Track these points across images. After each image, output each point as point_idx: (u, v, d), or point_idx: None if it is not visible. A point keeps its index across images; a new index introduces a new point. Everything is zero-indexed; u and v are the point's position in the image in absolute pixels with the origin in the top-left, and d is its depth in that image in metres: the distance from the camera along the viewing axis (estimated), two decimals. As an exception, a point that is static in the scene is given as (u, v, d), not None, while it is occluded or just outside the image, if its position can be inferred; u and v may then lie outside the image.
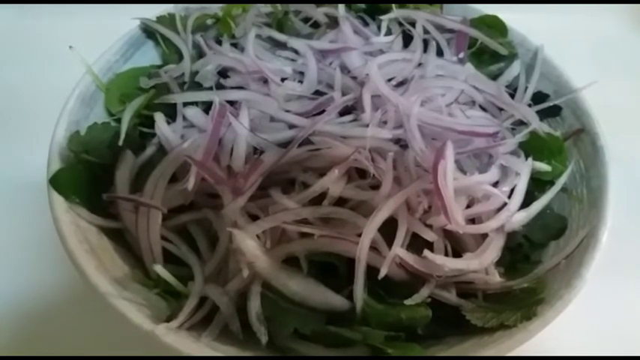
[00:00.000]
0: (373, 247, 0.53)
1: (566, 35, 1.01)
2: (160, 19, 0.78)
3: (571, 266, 0.56)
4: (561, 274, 0.57)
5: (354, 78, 0.68)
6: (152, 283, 0.57)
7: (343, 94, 0.66)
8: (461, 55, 0.76)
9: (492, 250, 0.57)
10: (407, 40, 0.77)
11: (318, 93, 0.67)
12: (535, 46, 0.78)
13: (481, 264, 0.55)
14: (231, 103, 0.64)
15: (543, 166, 0.66)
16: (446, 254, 0.56)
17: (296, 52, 0.72)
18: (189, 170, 0.57)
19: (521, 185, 0.61)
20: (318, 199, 0.56)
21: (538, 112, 0.69)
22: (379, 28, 0.78)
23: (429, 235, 0.55)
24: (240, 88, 0.67)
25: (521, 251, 0.62)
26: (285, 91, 0.66)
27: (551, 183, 0.65)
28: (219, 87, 0.68)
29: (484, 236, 0.58)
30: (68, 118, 0.65)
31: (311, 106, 0.65)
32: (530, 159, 0.64)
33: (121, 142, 0.63)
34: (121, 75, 0.73)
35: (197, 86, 0.69)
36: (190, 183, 0.56)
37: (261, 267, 0.53)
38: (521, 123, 0.69)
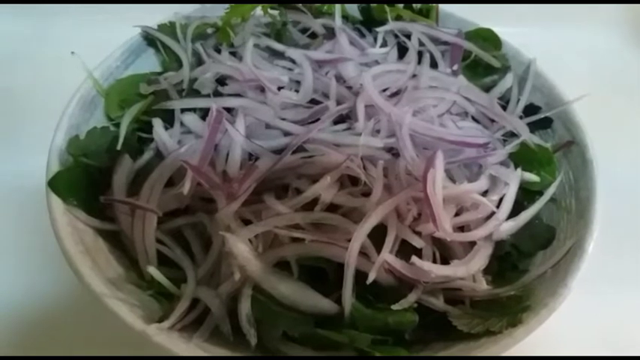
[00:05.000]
0: (362, 253, 0.54)
1: (559, 49, 1.03)
2: (161, 27, 0.80)
3: (557, 275, 0.58)
4: (547, 282, 0.58)
5: (349, 88, 0.69)
6: (146, 285, 0.58)
7: (338, 104, 0.67)
8: (455, 67, 0.77)
9: (480, 258, 0.58)
10: (402, 51, 0.78)
11: (313, 102, 0.68)
12: (528, 59, 0.79)
13: (468, 271, 0.56)
14: (228, 110, 0.65)
15: (532, 177, 0.67)
16: (434, 261, 0.57)
17: (293, 61, 0.73)
18: (185, 175, 0.58)
19: (510, 195, 0.62)
20: (310, 205, 0.57)
21: (529, 124, 0.71)
22: (375, 39, 0.79)
23: (417, 242, 0.56)
24: (238, 95, 0.68)
25: (509, 260, 0.63)
26: (281, 99, 0.67)
27: (540, 193, 0.66)
28: (217, 94, 0.69)
29: (472, 244, 0.59)
30: (68, 122, 0.66)
31: (306, 115, 0.66)
32: (519, 169, 0.65)
33: (119, 147, 0.65)
34: (121, 81, 0.74)
35: (195, 93, 0.71)
36: (186, 187, 0.57)
37: (252, 270, 0.54)
38: (512, 134, 0.70)
